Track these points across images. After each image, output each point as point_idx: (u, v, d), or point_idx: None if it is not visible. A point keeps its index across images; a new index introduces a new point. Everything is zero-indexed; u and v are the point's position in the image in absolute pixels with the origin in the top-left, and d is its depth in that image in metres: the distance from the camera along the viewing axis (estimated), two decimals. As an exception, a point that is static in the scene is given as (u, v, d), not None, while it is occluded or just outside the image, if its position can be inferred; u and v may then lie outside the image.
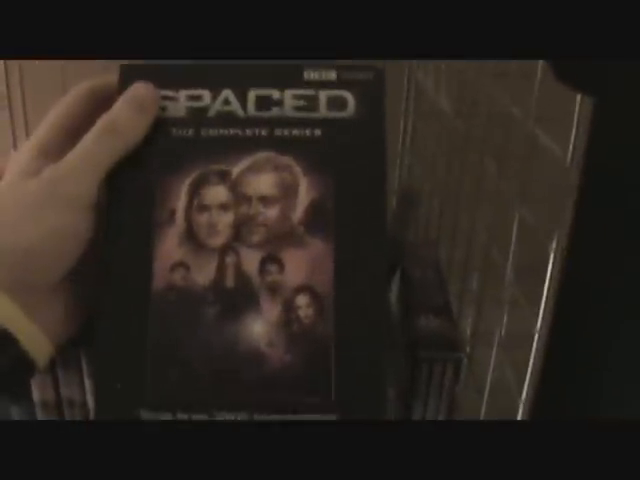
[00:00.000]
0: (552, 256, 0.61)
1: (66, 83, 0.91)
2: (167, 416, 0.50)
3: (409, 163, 1.13)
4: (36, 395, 0.60)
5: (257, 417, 0.50)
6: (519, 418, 0.67)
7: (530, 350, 0.64)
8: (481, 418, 0.75)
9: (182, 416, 0.50)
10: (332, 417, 0.50)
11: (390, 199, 0.96)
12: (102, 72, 0.59)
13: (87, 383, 0.59)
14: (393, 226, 0.88)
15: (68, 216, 0.52)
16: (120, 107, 0.55)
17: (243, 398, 0.50)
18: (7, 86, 0.94)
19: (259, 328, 0.51)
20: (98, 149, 0.53)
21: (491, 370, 0.73)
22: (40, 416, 0.61)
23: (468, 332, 0.79)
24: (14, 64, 0.96)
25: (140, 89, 0.56)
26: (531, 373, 0.65)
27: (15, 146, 0.99)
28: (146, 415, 0.50)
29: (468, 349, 0.78)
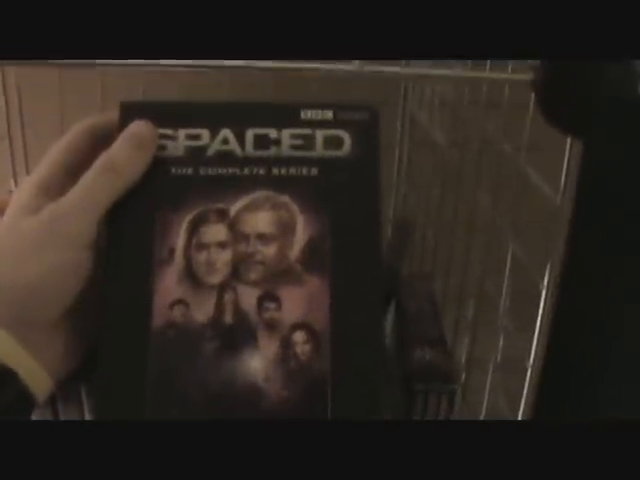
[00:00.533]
0: (544, 290, 0.61)
1: (63, 90, 0.92)
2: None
3: (404, 193, 1.14)
4: (37, 430, 0.61)
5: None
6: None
7: (524, 377, 0.65)
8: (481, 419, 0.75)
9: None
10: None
11: (385, 229, 0.97)
12: (99, 77, 0.59)
13: (87, 418, 0.60)
14: (388, 257, 0.89)
15: (68, 254, 0.53)
16: (119, 145, 0.56)
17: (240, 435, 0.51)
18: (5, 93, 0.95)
19: (257, 364, 0.52)
20: (98, 187, 0.54)
21: (486, 397, 0.74)
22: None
23: (463, 360, 0.80)
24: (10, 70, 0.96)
25: (139, 127, 0.57)
26: (525, 401, 0.65)
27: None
28: None
29: (463, 377, 0.78)
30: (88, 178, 0.54)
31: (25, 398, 0.52)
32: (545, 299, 0.61)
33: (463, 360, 0.80)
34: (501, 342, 0.73)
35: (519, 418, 0.67)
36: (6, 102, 0.94)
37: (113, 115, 0.58)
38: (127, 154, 0.55)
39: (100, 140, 0.57)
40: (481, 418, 0.75)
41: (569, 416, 0.64)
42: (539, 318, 0.62)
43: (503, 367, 0.73)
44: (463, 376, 0.79)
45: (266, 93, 0.78)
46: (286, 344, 0.52)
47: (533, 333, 0.63)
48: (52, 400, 0.59)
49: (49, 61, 0.57)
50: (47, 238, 0.52)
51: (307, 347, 0.52)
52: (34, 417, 0.58)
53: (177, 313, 0.53)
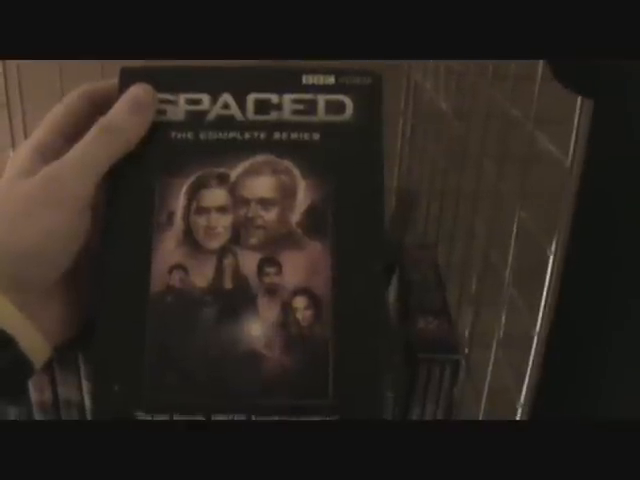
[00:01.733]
0: (551, 258, 0.61)
1: (64, 84, 0.91)
2: (164, 417, 0.50)
3: (408, 163, 1.13)
4: (34, 396, 0.60)
5: (255, 419, 0.50)
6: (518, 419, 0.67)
7: (529, 352, 0.64)
8: (480, 419, 0.75)
9: (179, 418, 0.50)
10: (330, 419, 0.50)
11: (389, 200, 0.96)
12: (100, 73, 0.58)
13: (85, 384, 0.59)
14: (391, 227, 0.88)
15: (65, 215, 0.52)
16: (118, 108, 0.55)
17: (241, 401, 0.50)
18: (5, 86, 0.94)
19: (257, 330, 0.51)
20: (95, 149, 0.53)
21: (489, 372, 0.73)
22: (37, 416, 0.61)
23: (466, 334, 0.79)
24: (12, 64, 0.96)
25: (137, 90, 0.56)
26: (530, 375, 0.65)
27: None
28: (143, 417, 0.50)
29: (466, 351, 0.78)
30: (86, 140, 0.53)
31: (22, 363, 0.51)
32: (552, 268, 0.60)
33: (466, 334, 0.79)
34: (503, 318, 0.72)
35: (522, 395, 0.67)
36: (4, 71, 0.94)
37: (112, 81, 0.57)
38: (126, 116, 0.55)
39: (99, 105, 0.56)
40: (484, 393, 0.75)
41: (568, 417, 0.64)
42: (545, 288, 0.61)
43: (508, 342, 0.72)
44: (466, 350, 0.78)
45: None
46: (287, 309, 0.51)
47: (539, 306, 0.62)
48: (49, 366, 0.59)
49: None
50: (43, 200, 0.51)
51: (308, 313, 0.51)
52: (31, 383, 0.58)
53: (176, 278, 0.52)
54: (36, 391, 0.60)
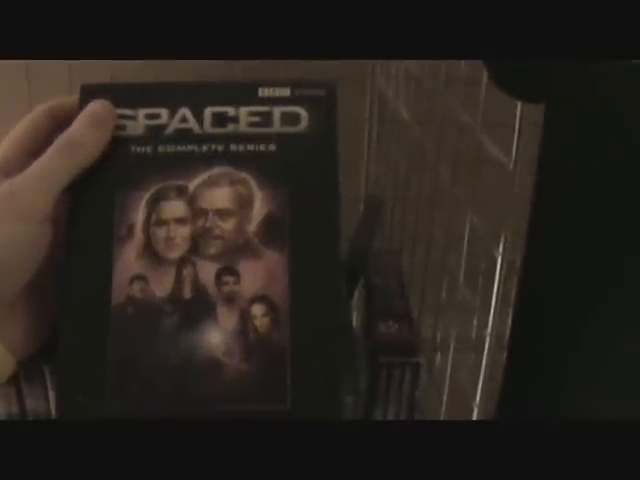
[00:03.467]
0: (499, 259, 0.62)
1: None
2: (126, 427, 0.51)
3: (375, 170, 1.14)
4: (1, 408, 0.61)
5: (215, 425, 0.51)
6: (474, 418, 0.68)
7: (483, 351, 0.66)
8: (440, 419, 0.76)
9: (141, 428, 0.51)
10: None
11: (356, 207, 0.97)
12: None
13: (51, 396, 0.60)
14: (358, 234, 0.89)
15: (25, 229, 0.52)
16: (78, 123, 0.56)
17: (201, 407, 0.51)
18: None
19: (216, 338, 0.52)
20: (55, 163, 0.54)
21: (448, 373, 0.75)
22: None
23: (429, 336, 0.80)
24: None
25: (96, 106, 0.57)
26: (484, 374, 0.66)
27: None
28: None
29: (427, 354, 0.79)
30: (46, 155, 0.54)
31: None
32: (501, 268, 0.62)
33: (429, 336, 0.80)
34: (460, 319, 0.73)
35: (478, 395, 0.68)
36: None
37: (74, 98, 0.58)
38: (85, 131, 0.55)
39: (61, 122, 0.57)
40: (444, 396, 0.76)
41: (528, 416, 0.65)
42: (495, 288, 0.63)
43: (464, 342, 0.74)
44: (427, 353, 0.79)
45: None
46: (245, 317, 0.52)
47: (490, 306, 0.64)
48: (16, 379, 0.59)
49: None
50: (3, 212, 0.52)
51: (266, 320, 0.52)
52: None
53: (136, 289, 0.53)
54: (3, 404, 0.61)
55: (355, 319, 0.76)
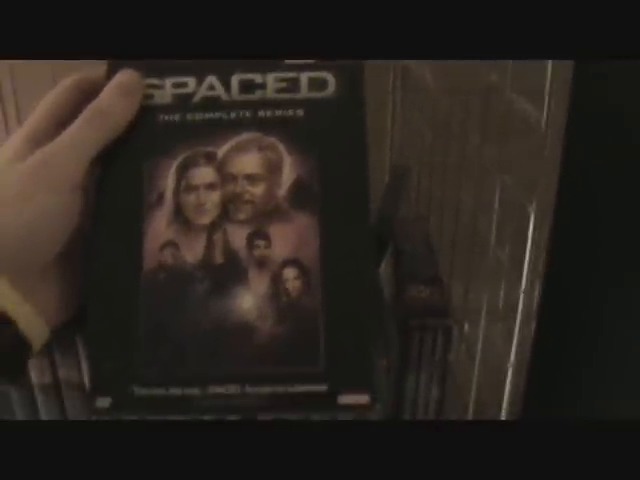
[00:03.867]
0: (532, 218, 0.61)
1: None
2: (160, 391, 0.51)
3: (399, 139, 1.13)
4: (34, 378, 0.61)
5: (248, 389, 0.51)
6: (508, 382, 0.68)
7: (516, 315, 0.65)
8: (473, 386, 0.76)
9: (175, 391, 0.51)
10: (322, 387, 0.51)
11: (382, 175, 0.97)
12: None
13: (84, 364, 0.60)
14: (385, 201, 0.89)
15: (57, 197, 0.53)
16: (106, 93, 0.56)
17: (234, 371, 0.51)
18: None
19: (248, 302, 0.52)
20: (85, 132, 0.54)
21: (481, 338, 0.74)
22: (39, 398, 0.62)
23: (460, 302, 0.80)
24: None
25: (125, 76, 0.57)
26: (519, 337, 0.66)
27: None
28: (139, 391, 0.51)
29: (460, 317, 0.78)
30: (75, 125, 0.55)
31: (21, 345, 0.52)
32: (535, 225, 0.61)
33: (460, 302, 0.80)
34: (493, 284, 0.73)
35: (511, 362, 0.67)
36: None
37: (100, 73, 0.58)
38: (114, 101, 0.56)
39: (88, 94, 0.57)
40: (476, 363, 0.76)
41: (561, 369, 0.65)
42: (527, 250, 0.62)
43: (497, 306, 0.73)
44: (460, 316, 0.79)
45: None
46: (277, 281, 0.52)
47: (522, 268, 0.63)
48: (49, 348, 0.60)
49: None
50: (36, 181, 0.52)
51: (297, 283, 0.52)
52: (31, 365, 0.59)
53: (167, 255, 0.53)
54: (36, 373, 0.61)
55: (385, 285, 0.76)
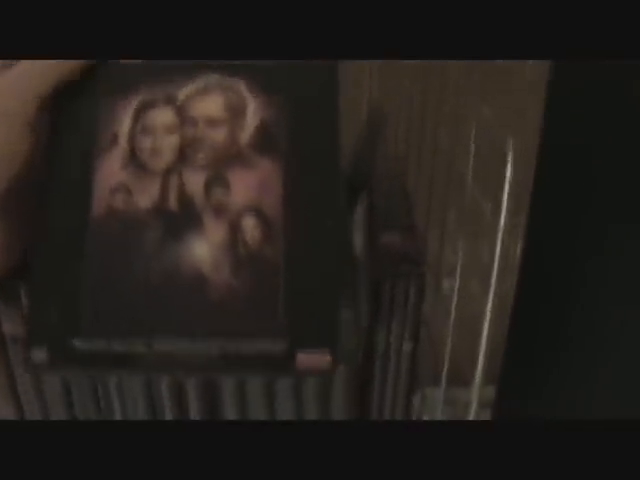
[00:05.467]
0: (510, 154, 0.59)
1: None
2: (102, 345, 0.48)
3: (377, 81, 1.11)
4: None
5: (199, 344, 0.48)
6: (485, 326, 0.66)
7: (492, 263, 0.63)
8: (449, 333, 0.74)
9: (118, 346, 0.48)
10: (280, 345, 0.48)
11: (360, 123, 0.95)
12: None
13: (25, 316, 0.58)
14: (360, 149, 0.87)
15: (5, 129, 0.51)
16: None
17: (185, 325, 0.48)
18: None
19: (202, 251, 0.49)
20: (36, 68, 0.52)
21: (457, 284, 0.72)
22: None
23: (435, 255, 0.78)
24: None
25: None
26: (497, 290, 0.64)
27: None
28: (80, 344, 0.48)
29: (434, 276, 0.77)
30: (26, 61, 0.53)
31: None
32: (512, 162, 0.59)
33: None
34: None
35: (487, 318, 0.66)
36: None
37: None
38: None
39: None
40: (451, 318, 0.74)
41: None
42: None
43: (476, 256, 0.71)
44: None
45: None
46: (235, 229, 0.49)
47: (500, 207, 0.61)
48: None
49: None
50: None
51: (257, 232, 0.49)
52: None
53: (118, 199, 0.50)
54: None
55: (356, 234, 0.74)
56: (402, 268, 0.61)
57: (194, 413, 0.59)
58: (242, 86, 0.53)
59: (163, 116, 0.53)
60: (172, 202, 0.50)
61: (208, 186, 0.50)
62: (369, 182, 0.78)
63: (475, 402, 0.76)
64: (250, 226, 0.49)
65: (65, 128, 0.53)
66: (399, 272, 0.61)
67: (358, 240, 0.72)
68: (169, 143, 0.52)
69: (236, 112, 0.53)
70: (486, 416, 0.77)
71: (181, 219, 0.50)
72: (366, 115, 1.02)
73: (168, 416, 0.59)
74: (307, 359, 0.47)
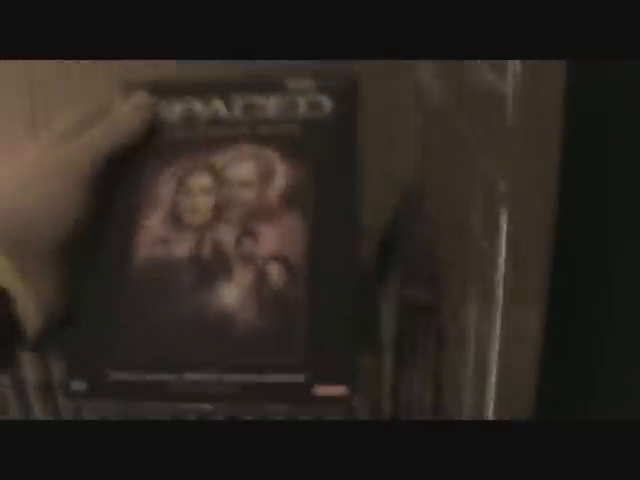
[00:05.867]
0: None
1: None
2: (135, 376, 0.52)
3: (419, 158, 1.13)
4: (30, 375, 0.62)
5: (224, 377, 0.51)
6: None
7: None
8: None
9: (150, 376, 0.52)
10: (298, 378, 0.51)
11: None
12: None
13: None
14: (396, 219, 0.89)
15: (65, 187, 0.56)
16: (120, 104, 0.62)
17: (211, 359, 0.52)
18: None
19: (230, 293, 0.53)
20: (99, 132, 0.59)
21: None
22: (33, 397, 0.63)
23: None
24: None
25: (138, 95, 0.63)
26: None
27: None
28: (114, 375, 0.52)
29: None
30: (93, 130, 0.59)
31: (15, 327, 0.53)
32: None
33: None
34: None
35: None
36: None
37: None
38: (126, 110, 0.61)
39: None
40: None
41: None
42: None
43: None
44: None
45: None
46: (261, 274, 0.54)
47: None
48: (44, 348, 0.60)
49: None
50: (52, 169, 0.56)
51: (281, 277, 0.54)
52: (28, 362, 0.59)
53: (158, 250, 0.56)
54: (32, 372, 0.62)
55: (384, 284, 0.76)
56: (423, 318, 0.64)
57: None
58: (273, 154, 0.59)
59: (201, 180, 0.59)
60: (206, 252, 0.55)
61: (239, 239, 0.56)
62: (399, 247, 0.81)
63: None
64: (275, 272, 0.54)
65: (114, 188, 0.59)
66: (420, 322, 0.63)
67: (387, 290, 0.74)
68: (205, 203, 0.58)
69: (266, 175, 0.58)
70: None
71: (213, 266, 0.55)
72: (404, 187, 1.05)
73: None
74: (324, 390, 0.50)
